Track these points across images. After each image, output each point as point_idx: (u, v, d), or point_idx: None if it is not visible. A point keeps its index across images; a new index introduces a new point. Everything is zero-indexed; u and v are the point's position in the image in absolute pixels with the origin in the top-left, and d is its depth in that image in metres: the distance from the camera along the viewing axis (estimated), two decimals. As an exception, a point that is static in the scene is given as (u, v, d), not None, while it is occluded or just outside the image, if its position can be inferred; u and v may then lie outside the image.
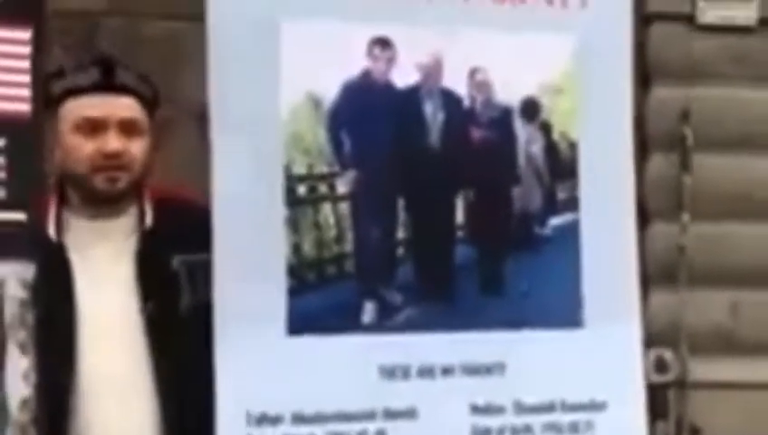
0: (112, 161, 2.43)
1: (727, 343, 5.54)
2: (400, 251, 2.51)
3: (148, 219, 2.50)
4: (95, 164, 2.43)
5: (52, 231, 2.44)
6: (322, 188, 2.46)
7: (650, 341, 4.48)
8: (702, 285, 5.49)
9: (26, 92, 2.07)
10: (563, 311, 2.59)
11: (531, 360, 2.55)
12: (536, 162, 2.62)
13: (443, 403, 2.49)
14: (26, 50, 2.07)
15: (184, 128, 4.79)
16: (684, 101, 5.51)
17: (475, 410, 2.51)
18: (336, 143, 2.46)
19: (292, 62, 2.43)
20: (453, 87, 2.54)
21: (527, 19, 2.60)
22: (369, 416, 2.44)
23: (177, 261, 2.47)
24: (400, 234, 2.51)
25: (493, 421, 2.52)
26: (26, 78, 2.07)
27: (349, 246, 2.46)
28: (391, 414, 2.45)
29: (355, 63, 2.48)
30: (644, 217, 5.18)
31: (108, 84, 2.46)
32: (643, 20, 5.38)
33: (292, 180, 2.43)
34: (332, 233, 2.46)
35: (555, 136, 2.63)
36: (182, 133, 4.74)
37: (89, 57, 2.61)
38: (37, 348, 2.06)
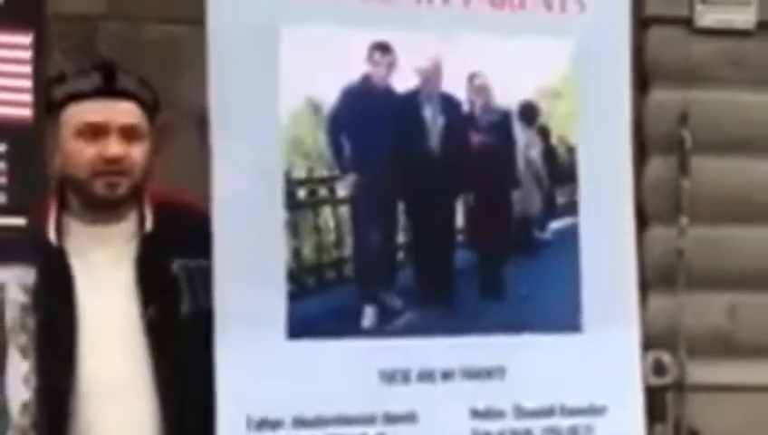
0: (113, 167, 2.43)
1: (725, 346, 5.54)
2: (400, 255, 2.51)
3: (149, 224, 2.50)
4: (96, 169, 2.43)
5: (52, 236, 2.44)
6: (322, 192, 2.46)
7: (649, 344, 4.46)
8: (700, 288, 5.49)
9: (27, 97, 2.08)
10: (563, 315, 2.59)
11: (530, 364, 2.55)
12: (535, 166, 2.62)
13: (443, 407, 2.49)
14: (27, 54, 2.08)
15: (184, 132, 4.78)
16: (682, 104, 5.50)
17: (475, 414, 2.52)
18: (336, 147, 2.46)
19: (291, 67, 2.43)
20: (452, 91, 2.55)
21: (526, 24, 2.60)
22: (370, 420, 2.44)
23: (177, 265, 2.46)
24: (400, 238, 2.51)
25: (493, 426, 2.52)
26: (27, 83, 2.08)
27: (349, 250, 2.46)
28: (391, 418, 2.45)
29: (355, 68, 2.48)
30: (642, 220, 5.17)
31: (109, 89, 2.46)
32: (641, 24, 5.39)
33: (291, 184, 2.43)
34: (332, 237, 2.46)
35: (554, 140, 2.63)
36: (182, 137, 4.73)
37: (90, 62, 2.60)
38: (38, 352, 2.07)
